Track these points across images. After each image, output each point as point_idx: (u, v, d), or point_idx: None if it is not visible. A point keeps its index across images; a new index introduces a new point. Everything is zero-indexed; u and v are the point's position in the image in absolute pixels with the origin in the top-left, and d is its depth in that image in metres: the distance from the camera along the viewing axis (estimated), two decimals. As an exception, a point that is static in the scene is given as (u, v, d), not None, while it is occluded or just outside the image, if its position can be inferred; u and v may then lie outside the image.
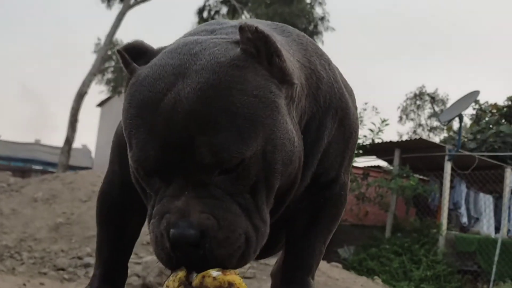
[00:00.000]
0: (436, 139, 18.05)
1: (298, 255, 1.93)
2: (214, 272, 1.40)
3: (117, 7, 22.58)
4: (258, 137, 1.43)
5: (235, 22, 1.78)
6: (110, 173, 2.04)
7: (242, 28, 1.47)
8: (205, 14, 23.47)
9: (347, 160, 1.94)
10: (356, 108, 1.95)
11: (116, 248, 2.07)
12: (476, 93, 11.88)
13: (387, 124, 12.07)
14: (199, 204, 1.40)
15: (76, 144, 21.76)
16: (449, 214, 12.31)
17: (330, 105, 1.78)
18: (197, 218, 1.39)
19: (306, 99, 1.66)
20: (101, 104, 24.03)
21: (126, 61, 1.55)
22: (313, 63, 1.74)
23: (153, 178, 1.48)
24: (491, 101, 19.13)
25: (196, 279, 1.40)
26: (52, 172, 17.96)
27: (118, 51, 1.55)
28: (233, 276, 1.41)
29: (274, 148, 1.47)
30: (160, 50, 1.59)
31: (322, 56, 1.84)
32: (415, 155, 12.19)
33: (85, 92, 20.30)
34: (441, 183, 12.04)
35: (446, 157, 11.74)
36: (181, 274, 1.42)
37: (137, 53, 1.58)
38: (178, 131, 1.38)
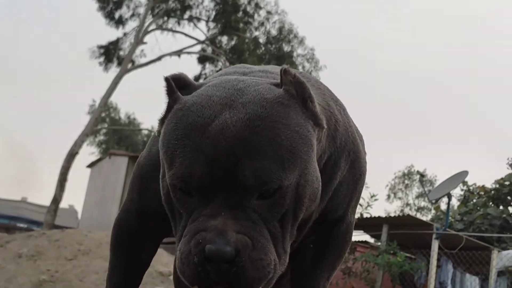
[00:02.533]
0: (424, 219, 18.06)
1: None
2: None
3: (114, 71, 22.90)
4: (296, 170, 1.52)
5: (259, 67, 1.93)
6: (128, 201, 2.09)
7: (286, 71, 1.61)
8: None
9: (355, 200, 2.03)
10: (365, 153, 2.05)
11: (126, 275, 2.09)
12: (465, 173, 12.02)
13: (376, 199, 12.11)
14: (236, 225, 1.47)
15: (63, 204, 21.63)
16: (435, 293, 12.20)
17: (344, 147, 1.88)
18: (234, 237, 1.45)
19: (326, 140, 1.76)
20: (91, 165, 24.00)
21: (171, 89, 1.65)
22: (331, 107, 1.86)
23: (190, 198, 1.54)
24: (479, 183, 19.31)
25: None
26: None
27: (166, 78, 1.66)
28: None
29: (305, 183, 1.57)
30: (201, 85, 1.70)
31: (337, 101, 1.96)
32: (403, 231, 12.19)
33: (77, 152, 20.41)
34: (428, 261, 11.99)
35: (434, 236, 11.74)
36: None
37: (181, 84, 1.68)
38: (225, 154, 1.47)
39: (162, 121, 1.67)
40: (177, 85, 1.66)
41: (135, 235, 2.06)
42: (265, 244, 1.50)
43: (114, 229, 2.12)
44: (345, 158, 1.89)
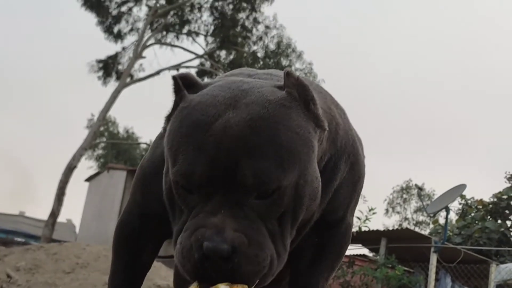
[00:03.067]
0: (422, 233, 18.05)
1: None
2: (222, 286, 1.50)
3: (112, 85, 22.96)
4: (295, 170, 1.56)
5: (264, 71, 2.00)
6: (130, 203, 2.12)
7: (289, 74, 1.66)
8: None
9: (354, 202, 2.07)
10: (364, 156, 2.09)
11: (128, 277, 2.12)
12: (463, 186, 12.02)
13: (374, 213, 12.10)
14: (234, 223, 1.52)
15: (61, 218, 21.59)
16: (434, 307, 12.17)
17: (345, 150, 1.93)
18: (231, 235, 1.49)
19: (326, 142, 1.80)
20: (89, 179, 23.99)
21: (178, 87, 1.70)
22: (332, 110, 1.90)
23: (191, 195, 1.58)
24: (477, 197, 19.31)
25: None
26: (35, 245, 17.70)
27: (173, 77, 1.70)
28: (239, 286, 1.51)
29: (305, 183, 1.60)
30: (207, 84, 1.75)
31: (337, 105, 2.01)
32: (401, 245, 12.19)
33: (75, 166, 20.40)
34: (426, 275, 11.97)
35: (432, 249, 11.73)
36: (194, 286, 1.53)
37: (188, 83, 1.72)
38: (226, 153, 1.51)
39: (168, 118, 1.72)
40: (184, 84, 1.71)
41: (137, 237, 2.08)
42: (261, 240, 1.54)
43: (116, 231, 2.15)
44: (345, 160, 1.94)
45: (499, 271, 11.88)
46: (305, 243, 1.98)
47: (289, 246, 1.65)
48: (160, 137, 2.03)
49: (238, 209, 1.54)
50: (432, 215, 14.45)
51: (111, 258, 2.17)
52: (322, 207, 1.88)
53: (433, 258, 11.71)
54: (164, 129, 1.73)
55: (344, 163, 1.94)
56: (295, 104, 1.63)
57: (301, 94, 1.65)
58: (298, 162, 1.57)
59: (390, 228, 14.19)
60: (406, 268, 12.84)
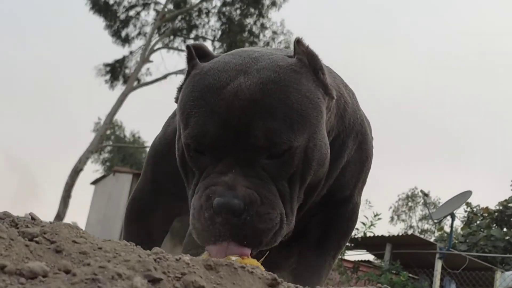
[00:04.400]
0: (427, 239, 18.01)
1: (309, 266, 2.02)
2: (233, 257, 1.49)
3: (119, 89, 23.02)
4: (305, 132, 1.60)
5: (274, 48, 2.09)
6: (141, 181, 2.16)
7: (299, 41, 1.70)
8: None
9: (361, 182, 2.09)
10: (372, 137, 2.10)
11: None
12: (468, 193, 12.01)
13: (379, 219, 12.09)
14: (245, 181, 1.54)
15: (66, 220, 21.64)
16: (438, 314, 12.14)
17: (353, 128, 1.96)
18: (243, 191, 1.52)
19: (335, 118, 1.84)
20: (95, 182, 24.03)
21: (191, 56, 1.75)
22: (341, 89, 1.93)
23: (203, 156, 1.61)
24: (483, 204, 19.26)
25: None
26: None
27: (187, 46, 1.76)
28: (250, 259, 1.52)
29: (314, 147, 1.64)
30: (219, 55, 1.79)
31: (347, 86, 2.04)
32: (406, 251, 12.16)
33: (81, 169, 20.47)
34: (431, 281, 11.95)
35: (437, 255, 11.71)
36: (204, 256, 1.51)
37: (201, 53, 1.77)
38: (238, 114, 1.54)
39: (180, 87, 1.76)
40: (197, 54, 1.75)
41: (148, 213, 2.12)
42: (272, 199, 1.56)
43: (128, 207, 2.19)
44: (352, 139, 1.96)
45: (504, 278, 11.84)
46: (312, 221, 2.00)
47: (296, 209, 1.67)
48: (173, 116, 2.07)
49: (249, 168, 1.56)
50: (437, 222, 14.40)
51: (123, 234, 2.20)
52: (329, 183, 1.91)
53: (438, 265, 11.69)
54: (176, 98, 1.77)
55: (352, 141, 1.96)
56: (305, 70, 1.67)
57: (310, 62, 1.70)
58: (308, 124, 1.61)
59: (395, 234, 14.15)
60: (410, 275, 12.81)
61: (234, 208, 1.49)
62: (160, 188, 2.07)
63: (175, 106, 1.81)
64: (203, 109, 1.58)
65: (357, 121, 1.99)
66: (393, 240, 12.83)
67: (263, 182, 1.57)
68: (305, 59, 1.69)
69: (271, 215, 1.55)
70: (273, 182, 1.59)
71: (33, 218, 1.43)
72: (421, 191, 25.66)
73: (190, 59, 1.75)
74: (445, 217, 12.42)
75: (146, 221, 2.14)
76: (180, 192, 1.79)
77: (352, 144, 1.97)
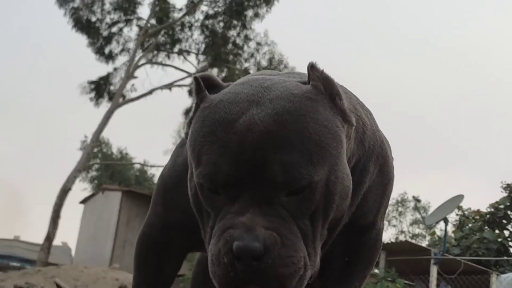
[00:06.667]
0: (422, 245, 18.01)
1: None
2: None
3: (105, 106, 22.91)
4: (325, 165, 1.49)
5: (284, 71, 1.92)
6: (152, 215, 2.06)
7: (313, 67, 1.59)
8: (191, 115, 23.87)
9: (384, 206, 1.99)
10: (393, 158, 2.02)
11: None
12: (460, 197, 12.00)
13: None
14: (264, 221, 1.44)
15: (56, 241, 21.43)
16: (435, 320, 12.11)
17: (373, 151, 1.85)
18: (262, 233, 1.41)
19: (354, 142, 1.73)
20: (84, 201, 23.87)
21: (200, 88, 1.64)
22: (358, 110, 1.82)
23: (217, 196, 1.51)
24: (474, 207, 19.30)
25: None
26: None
27: (195, 77, 1.64)
28: None
29: (336, 179, 1.53)
30: (228, 85, 1.69)
31: (363, 106, 1.93)
32: (400, 258, 12.14)
33: (69, 189, 20.28)
34: (427, 287, 11.92)
35: (432, 261, 11.68)
36: None
37: (209, 84, 1.67)
38: (253, 150, 1.44)
39: (189, 122, 1.66)
40: (205, 85, 1.65)
41: (159, 250, 2.02)
42: (294, 241, 1.46)
43: (138, 244, 2.09)
44: (373, 162, 1.86)
45: (501, 281, 11.83)
46: (335, 251, 1.91)
47: (320, 248, 1.58)
48: (181, 145, 1.98)
49: (268, 207, 1.46)
50: (429, 227, 14.41)
51: (133, 273, 2.11)
52: (351, 211, 1.80)
53: (434, 270, 11.66)
54: (186, 134, 1.67)
55: (373, 165, 1.86)
56: (321, 97, 1.57)
57: (326, 87, 1.59)
58: (328, 156, 1.50)
59: (389, 241, 14.14)
60: (406, 281, 12.78)
61: (254, 252, 1.39)
62: (171, 223, 1.96)
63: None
64: (214, 145, 1.48)
65: (377, 143, 1.89)
66: (387, 247, 12.82)
67: (284, 221, 1.46)
68: (321, 85, 1.59)
69: (294, 258, 1.44)
70: (294, 221, 1.48)
71: (58, 286, 1.31)
72: (413, 197, 25.70)
73: (198, 91, 1.64)
74: (438, 222, 12.41)
75: (157, 258, 2.03)
76: (193, 225, 1.69)
77: (373, 168, 1.87)
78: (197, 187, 1.56)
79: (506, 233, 17.74)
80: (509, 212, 18.08)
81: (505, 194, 18.37)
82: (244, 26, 23.62)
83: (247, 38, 23.87)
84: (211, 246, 1.49)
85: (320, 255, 1.61)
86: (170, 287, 2.10)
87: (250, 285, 1.43)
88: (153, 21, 24.02)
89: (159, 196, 2.04)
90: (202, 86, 1.64)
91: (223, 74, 23.79)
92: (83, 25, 23.01)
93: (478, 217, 18.57)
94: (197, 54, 24.26)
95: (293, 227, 1.47)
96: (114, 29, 23.75)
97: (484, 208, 18.70)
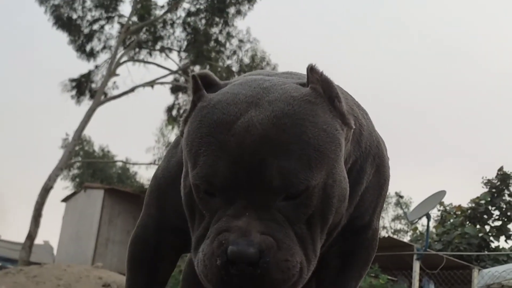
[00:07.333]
0: (404, 241, 18.12)
1: None
2: None
3: (86, 104, 22.77)
4: (323, 169, 1.49)
5: (282, 71, 1.91)
6: (145, 216, 2.04)
7: (313, 69, 1.58)
8: (174, 112, 23.82)
9: (380, 207, 2.00)
10: (388, 158, 2.02)
11: None
12: (442, 193, 12.09)
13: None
14: (260, 225, 1.43)
15: (38, 240, 21.26)
16: (418, 315, 12.19)
17: (369, 152, 1.86)
18: (258, 238, 1.41)
19: (351, 144, 1.73)
20: (66, 199, 23.71)
21: (197, 87, 1.62)
22: (355, 111, 1.82)
23: (213, 198, 1.50)
24: (455, 203, 19.45)
25: None
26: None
27: (193, 76, 1.63)
28: None
29: (333, 183, 1.53)
30: (226, 84, 1.67)
31: (359, 106, 1.94)
32: (383, 253, 12.19)
33: (51, 187, 20.12)
34: (410, 283, 11.99)
35: (415, 256, 11.76)
36: None
37: (207, 82, 1.65)
38: (250, 153, 1.43)
39: (185, 120, 1.64)
40: (203, 83, 1.64)
41: (153, 252, 2.00)
42: (291, 245, 1.46)
43: (131, 247, 2.07)
44: (370, 163, 1.87)
45: (482, 276, 11.92)
46: (331, 251, 1.91)
47: (319, 251, 1.57)
48: (175, 145, 1.96)
49: (264, 211, 1.45)
50: (412, 222, 14.50)
51: (126, 275, 2.09)
52: (349, 212, 1.80)
53: (416, 266, 11.74)
54: (182, 132, 1.66)
55: (370, 166, 1.86)
56: (320, 100, 1.56)
57: (326, 90, 1.58)
58: (326, 160, 1.50)
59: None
60: (389, 277, 12.85)
61: (249, 258, 1.38)
62: (165, 225, 1.93)
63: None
64: (212, 146, 1.47)
65: (374, 144, 1.89)
66: (370, 243, 12.86)
67: (280, 226, 1.45)
68: (320, 87, 1.58)
69: (290, 263, 1.44)
70: (290, 226, 1.47)
71: None
72: (396, 192, 25.81)
73: (196, 90, 1.62)
74: (421, 217, 12.50)
75: (151, 261, 2.01)
76: (187, 227, 1.67)
77: (370, 169, 1.87)
78: (193, 188, 1.55)
79: (487, 228, 17.90)
80: (490, 207, 18.25)
81: (486, 190, 18.53)
82: (226, 23, 23.58)
83: (229, 36, 23.82)
84: (205, 246, 1.48)
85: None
86: None
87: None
88: (134, 19, 23.89)
89: (152, 197, 2.02)
90: (199, 85, 1.63)
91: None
92: (64, 23, 22.82)
93: (459, 213, 18.71)
94: (179, 52, 24.17)
95: (289, 231, 1.47)
96: (96, 27, 23.58)
97: (465, 204, 18.87)
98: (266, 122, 1.46)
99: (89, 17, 23.42)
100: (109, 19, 23.77)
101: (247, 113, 1.49)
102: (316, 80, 1.58)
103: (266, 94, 1.54)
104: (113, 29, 23.90)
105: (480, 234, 17.02)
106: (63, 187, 29.40)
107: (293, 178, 1.44)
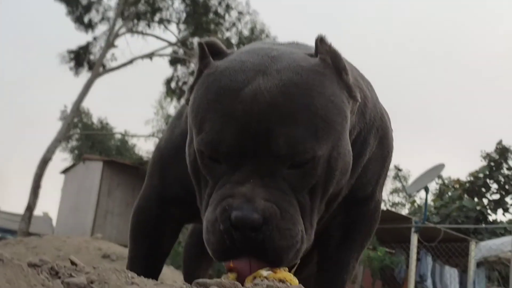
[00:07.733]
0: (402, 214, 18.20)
1: (332, 270, 1.95)
2: (265, 272, 1.40)
3: (85, 75, 22.67)
4: (329, 141, 1.48)
5: (287, 41, 1.89)
6: (148, 187, 2.03)
7: (322, 40, 1.56)
8: (173, 85, 23.74)
9: (383, 178, 2.00)
10: (392, 130, 2.02)
11: (147, 265, 2.03)
12: (441, 166, 12.10)
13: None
14: (265, 192, 1.42)
15: (37, 211, 21.33)
16: (416, 287, 12.28)
17: (373, 124, 1.85)
18: (262, 205, 1.40)
19: (356, 115, 1.72)
20: (65, 171, 23.74)
21: (204, 54, 1.60)
22: (360, 83, 1.80)
23: (218, 164, 1.49)
24: (454, 176, 19.52)
25: (247, 282, 1.39)
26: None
27: (200, 43, 1.61)
28: (283, 273, 1.42)
29: (338, 155, 1.52)
30: (233, 52, 1.66)
31: (363, 78, 1.92)
32: (381, 226, 12.24)
33: (50, 159, 20.12)
34: (408, 255, 12.06)
35: (413, 229, 11.81)
36: (232, 276, 1.42)
37: (213, 50, 1.63)
38: (258, 120, 1.42)
39: (191, 87, 1.62)
40: (209, 51, 1.62)
41: (156, 223, 2.00)
42: (293, 214, 1.45)
43: (133, 217, 2.06)
44: (374, 135, 1.86)
45: (480, 249, 12.02)
46: (334, 222, 1.92)
47: (316, 222, 1.57)
48: (178, 117, 1.95)
49: (268, 179, 1.45)
50: (410, 195, 14.55)
51: (129, 245, 2.08)
52: (351, 183, 1.80)
53: (414, 238, 11.80)
54: (187, 100, 1.64)
55: (373, 137, 1.86)
56: (329, 71, 1.55)
57: (334, 61, 1.57)
58: (332, 131, 1.49)
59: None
60: (387, 249, 12.94)
61: (253, 223, 1.38)
62: (167, 196, 1.92)
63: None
64: (218, 113, 1.45)
65: (378, 116, 1.88)
66: (369, 216, 12.90)
67: (284, 194, 1.45)
68: (328, 59, 1.56)
69: (292, 231, 1.43)
70: (293, 194, 1.47)
71: (73, 263, 1.30)
72: (394, 166, 25.85)
73: (202, 57, 1.60)
74: (419, 190, 12.53)
75: (154, 231, 2.00)
76: (191, 198, 1.67)
77: (373, 140, 1.86)
78: (197, 153, 1.53)
79: (485, 201, 18.01)
80: (488, 181, 18.32)
81: (484, 163, 18.59)
82: (225, -5, 23.38)
83: (228, 7, 23.63)
84: (208, 213, 1.47)
85: (316, 227, 1.60)
86: (164, 262, 2.09)
87: (246, 255, 1.42)
88: (133, -11, 23.68)
89: (155, 168, 2.01)
90: (206, 52, 1.61)
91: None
92: (62, -6, 22.62)
93: (457, 186, 18.81)
94: (178, 24, 23.98)
95: (292, 200, 1.46)
96: (94, -2, 23.39)
97: (463, 177, 18.95)
98: (274, 90, 1.44)
99: (87, -12, 23.21)
100: (107, -10, 23.55)
101: (255, 81, 1.47)
102: (325, 51, 1.57)
103: (274, 63, 1.52)
104: (111, 1, 23.72)
105: (478, 207, 17.12)
106: (61, 159, 29.44)
107: (300, 146, 1.43)
